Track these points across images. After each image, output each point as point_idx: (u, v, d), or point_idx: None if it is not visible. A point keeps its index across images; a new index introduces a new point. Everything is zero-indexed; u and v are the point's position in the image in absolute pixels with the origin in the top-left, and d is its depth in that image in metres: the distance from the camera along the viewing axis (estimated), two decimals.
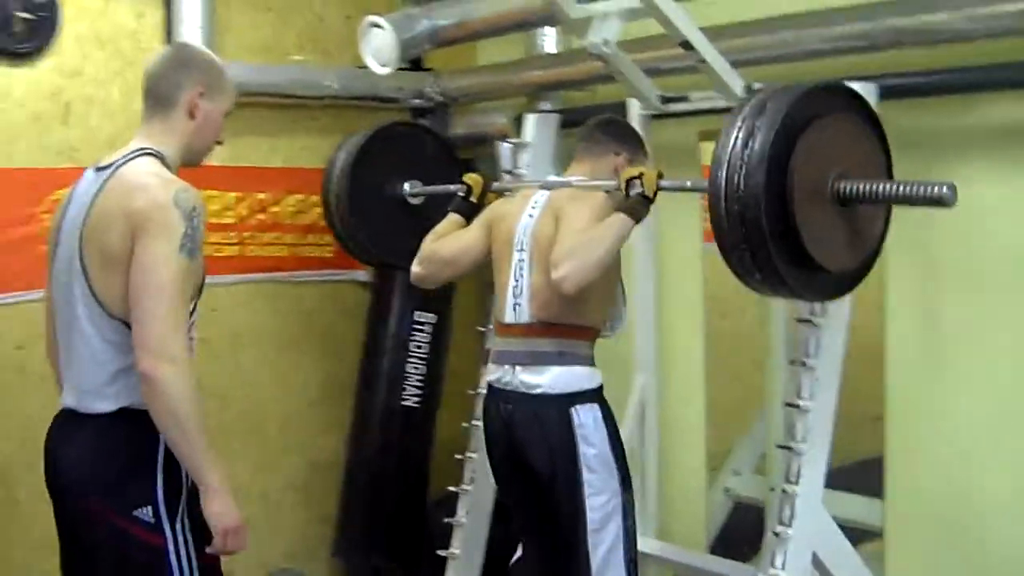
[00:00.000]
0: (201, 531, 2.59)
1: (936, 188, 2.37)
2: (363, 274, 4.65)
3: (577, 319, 3.18)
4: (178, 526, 2.54)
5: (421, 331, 4.45)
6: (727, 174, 2.50)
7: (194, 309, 2.61)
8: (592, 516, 3.16)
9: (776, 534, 3.17)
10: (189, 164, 2.74)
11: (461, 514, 3.95)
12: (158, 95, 2.68)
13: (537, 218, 3.23)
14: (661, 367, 4.17)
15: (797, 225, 2.46)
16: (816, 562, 3.22)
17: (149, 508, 2.52)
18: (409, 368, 4.45)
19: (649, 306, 4.00)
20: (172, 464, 2.53)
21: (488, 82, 4.54)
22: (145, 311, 2.43)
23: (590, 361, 3.23)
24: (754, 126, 2.50)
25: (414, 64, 4.67)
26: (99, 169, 2.62)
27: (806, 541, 3.16)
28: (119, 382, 2.53)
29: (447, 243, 3.41)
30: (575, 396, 3.17)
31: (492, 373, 3.29)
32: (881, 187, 2.48)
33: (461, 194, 3.50)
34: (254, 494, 4.42)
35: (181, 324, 2.46)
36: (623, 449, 3.27)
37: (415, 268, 3.42)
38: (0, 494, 3.78)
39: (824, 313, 3.16)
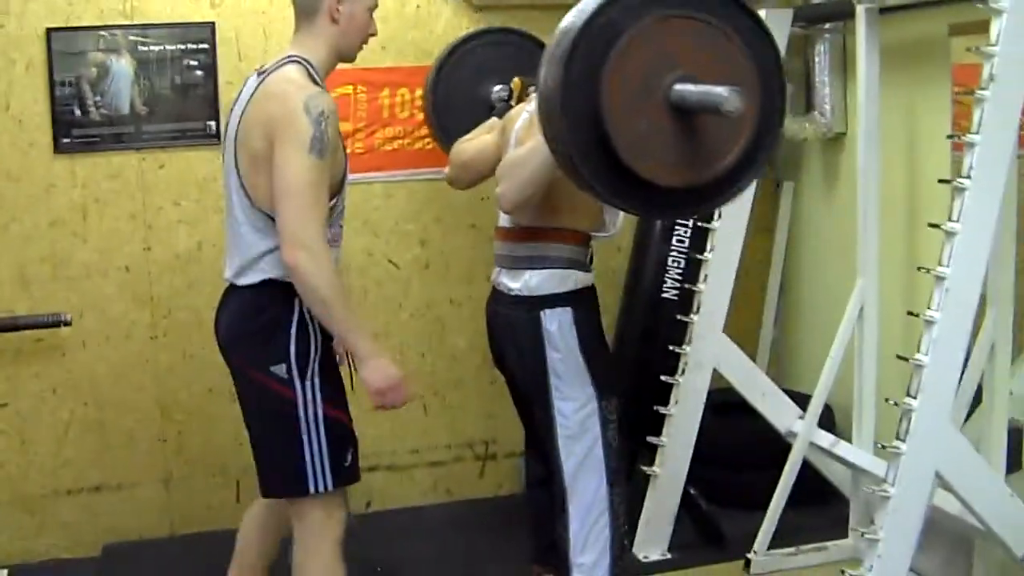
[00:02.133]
0: (333, 389, 2.99)
1: (717, 93, 2.10)
2: None
3: (553, 222, 3.17)
4: (307, 383, 2.91)
5: (683, 226, 4.47)
6: (545, 67, 2.29)
7: (335, 203, 2.96)
8: (563, 422, 3.17)
9: (884, 447, 3.05)
10: (344, 60, 3.08)
11: (671, 404, 4.05)
12: (302, 5, 3.01)
13: (525, 121, 3.24)
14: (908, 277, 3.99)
15: (607, 128, 2.19)
16: (942, 482, 3.06)
17: (283, 365, 2.91)
18: (670, 261, 4.50)
19: (872, 212, 3.82)
20: (303, 329, 2.93)
21: None
22: (282, 208, 2.79)
23: (568, 264, 3.19)
24: (583, 18, 2.23)
25: None
26: (259, 74, 3.00)
27: (926, 458, 3.01)
28: (263, 260, 2.92)
29: (467, 146, 3.49)
30: (546, 299, 3.17)
31: (492, 275, 3.38)
32: (685, 91, 2.18)
33: (504, 96, 3.54)
34: None
35: (314, 216, 2.78)
36: (602, 355, 3.24)
37: (446, 170, 3.54)
38: None
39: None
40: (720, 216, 4.00)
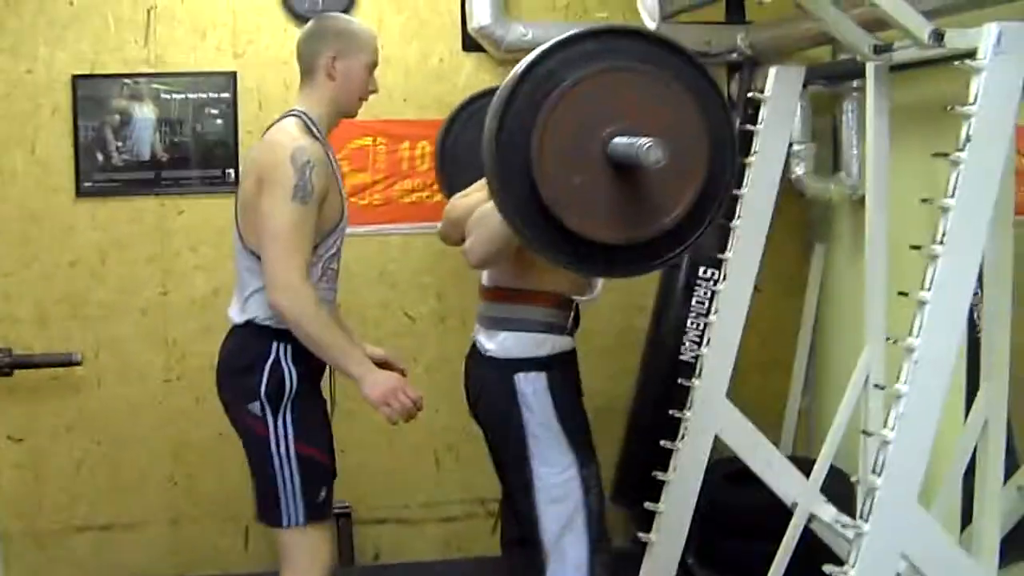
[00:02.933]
0: (308, 427, 3.07)
1: (637, 145, 2.05)
2: None
3: (529, 284, 3.12)
4: (279, 420, 3.02)
5: (702, 287, 4.38)
6: (487, 119, 2.29)
7: (329, 246, 3.08)
8: (542, 487, 3.10)
9: (844, 525, 2.92)
10: (345, 116, 3.19)
11: (671, 471, 3.93)
12: (302, 64, 3.16)
13: None
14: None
15: (537, 182, 2.17)
16: (911, 566, 2.90)
17: (257, 403, 3.02)
18: (689, 324, 4.41)
19: (880, 276, 3.67)
20: (276, 370, 3.03)
21: (787, 34, 4.33)
22: (266, 252, 2.94)
23: (545, 327, 3.13)
24: (519, 70, 2.24)
25: (739, 15, 4.58)
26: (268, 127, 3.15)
27: (891, 540, 2.86)
28: (251, 300, 3.07)
29: (459, 203, 3.44)
30: (521, 362, 3.12)
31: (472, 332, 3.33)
32: (617, 144, 2.14)
33: None
34: None
35: (295, 260, 2.91)
36: (579, 421, 3.16)
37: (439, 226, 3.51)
38: None
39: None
40: (725, 277, 3.89)
